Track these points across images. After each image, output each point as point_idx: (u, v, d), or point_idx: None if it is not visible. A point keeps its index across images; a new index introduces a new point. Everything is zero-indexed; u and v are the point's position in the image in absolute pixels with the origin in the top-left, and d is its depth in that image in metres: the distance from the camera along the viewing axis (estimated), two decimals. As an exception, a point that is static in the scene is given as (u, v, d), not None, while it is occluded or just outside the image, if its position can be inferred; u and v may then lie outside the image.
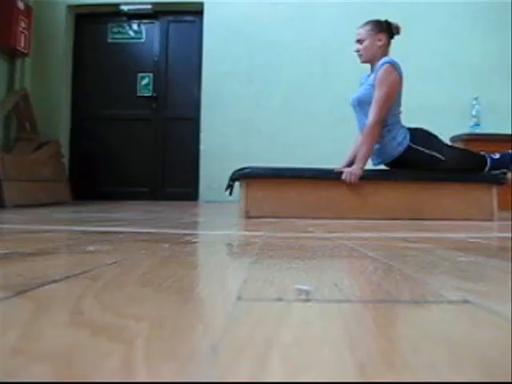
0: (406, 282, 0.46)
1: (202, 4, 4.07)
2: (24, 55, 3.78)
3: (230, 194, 2.08)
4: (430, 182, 2.05)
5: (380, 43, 2.15)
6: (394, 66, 2.07)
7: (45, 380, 0.20)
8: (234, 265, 0.61)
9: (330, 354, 0.23)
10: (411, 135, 2.10)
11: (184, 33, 4.27)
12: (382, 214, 1.99)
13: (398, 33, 2.22)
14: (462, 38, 3.88)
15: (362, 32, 2.19)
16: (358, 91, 2.21)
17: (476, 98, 3.69)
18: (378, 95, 2.03)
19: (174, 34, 4.28)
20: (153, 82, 4.24)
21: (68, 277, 0.45)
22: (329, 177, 2.03)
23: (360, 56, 2.17)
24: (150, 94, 4.22)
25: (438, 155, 2.09)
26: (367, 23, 2.21)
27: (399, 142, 2.07)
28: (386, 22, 2.22)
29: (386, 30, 2.19)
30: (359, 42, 2.19)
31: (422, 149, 2.08)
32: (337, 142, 3.38)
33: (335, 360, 0.23)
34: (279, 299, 0.36)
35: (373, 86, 2.08)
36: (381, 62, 2.07)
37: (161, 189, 4.20)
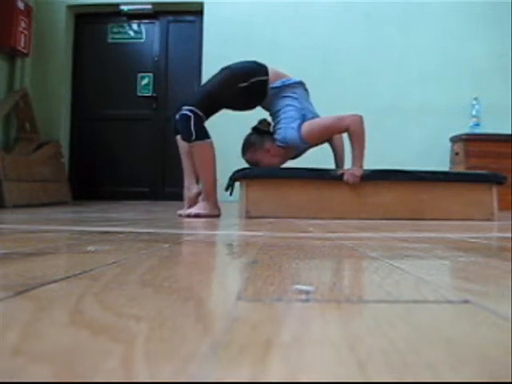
0: (406, 282, 0.46)
1: (201, 4, 4.07)
2: (24, 55, 3.78)
3: (231, 194, 2.08)
4: (430, 181, 2.05)
5: (272, 152, 2.10)
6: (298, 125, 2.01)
7: (45, 380, 0.20)
8: (234, 265, 0.61)
9: (329, 354, 0.23)
10: None
11: (184, 33, 4.28)
12: (382, 214, 1.99)
13: (270, 124, 2.16)
14: (462, 38, 3.88)
15: (251, 157, 2.13)
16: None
17: (476, 98, 3.69)
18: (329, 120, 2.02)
19: (174, 34, 4.28)
20: (153, 82, 4.24)
21: (68, 277, 0.45)
22: (329, 177, 2.03)
23: None
24: (149, 94, 4.22)
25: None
26: (248, 147, 2.13)
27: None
28: (255, 128, 2.15)
29: (263, 134, 2.12)
30: (255, 165, 2.13)
31: None
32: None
33: (335, 360, 0.23)
34: (279, 299, 0.36)
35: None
36: (292, 132, 2.01)
37: (161, 189, 4.20)
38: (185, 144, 2.06)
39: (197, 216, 1.92)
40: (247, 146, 2.14)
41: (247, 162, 2.16)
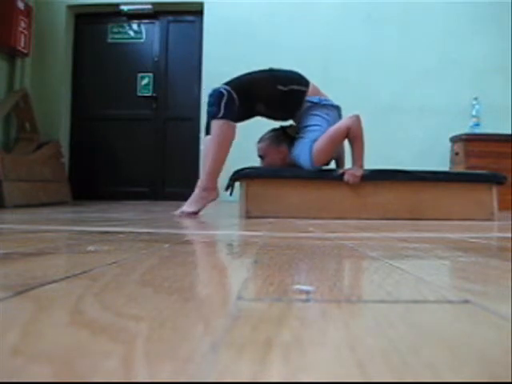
0: (406, 282, 0.46)
1: (201, 4, 4.07)
2: (24, 55, 3.78)
3: (231, 194, 2.08)
4: (430, 181, 2.05)
5: (281, 156, 2.10)
6: (311, 143, 2.00)
7: (44, 380, 0.20)
8: (234, 265, 0.61)
9: (329, 354, 0.23)
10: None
11: (184, 33, 4.28)
12: (382, 214, 1.99)
13: (297, 132, 2.15)
14: (462, 38, 3.88)
15: (263, 148, 2.13)
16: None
17: (476, 98, 3.69)
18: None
19: (174, 34, 4.28)
20: (153, 82, 4.24)
21: (68, 277, 0.45)
22: (329, 177, 2.03)
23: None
24: (150, 94, 4.22)
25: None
26: (266, 139, 2.14)
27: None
28: (282, 128, 2.16)
29: (285, 137, 2.12)
30: (261, 157, 2.15)
31: None
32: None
33: (335, 360, 0.23)
34: (279, 299, 0.36)
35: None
36: (305, 154, 2.00)
37: (161, 189, 4.20)
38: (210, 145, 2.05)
39: (191, 214, 1.92)
40: (266, 138, 2.15)
41: (258, 150, 2.17)
